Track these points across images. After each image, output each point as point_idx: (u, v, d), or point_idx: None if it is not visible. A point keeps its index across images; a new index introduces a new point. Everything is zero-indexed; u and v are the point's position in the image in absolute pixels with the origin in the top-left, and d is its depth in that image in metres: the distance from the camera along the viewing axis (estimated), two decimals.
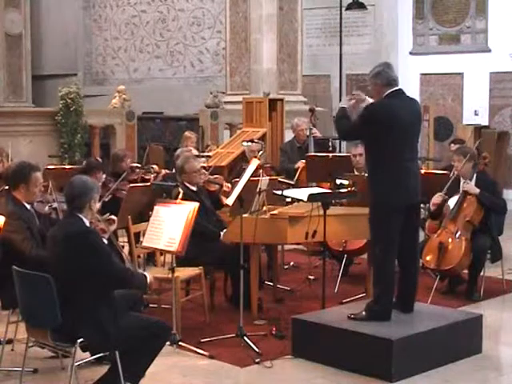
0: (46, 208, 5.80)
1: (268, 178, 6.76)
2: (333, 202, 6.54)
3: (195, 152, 8.98)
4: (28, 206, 5.43)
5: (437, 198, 7.02)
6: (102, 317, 4.35)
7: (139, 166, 8.65)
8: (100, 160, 8.00)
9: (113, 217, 4.86)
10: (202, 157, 8.80)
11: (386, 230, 5.34)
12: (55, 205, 5.91)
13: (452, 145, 8.85)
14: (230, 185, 7.31)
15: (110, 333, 4.34)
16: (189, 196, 6.21)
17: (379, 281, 5.42)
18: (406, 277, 5.53)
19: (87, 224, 4.54)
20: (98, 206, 4.69)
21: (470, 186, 6.98)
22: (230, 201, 6.02)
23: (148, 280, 4.66)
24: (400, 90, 5.43)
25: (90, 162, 7.69)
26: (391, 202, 5.32)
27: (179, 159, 7.04)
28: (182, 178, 6.77)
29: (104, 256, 4.42)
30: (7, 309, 5.31)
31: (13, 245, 5.20)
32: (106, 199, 7.05)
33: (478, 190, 6.93)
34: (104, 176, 7.37)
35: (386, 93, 5.38)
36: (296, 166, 8.84)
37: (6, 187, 5.60)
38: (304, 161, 8.58)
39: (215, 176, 7.49)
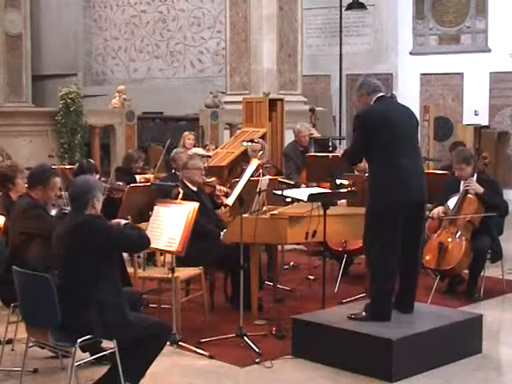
0: (56, 211, 5.79)
1: (268, 177, 6.76)
2: (333, 201, 6.55)
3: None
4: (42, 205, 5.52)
5: (439, 212, 7.02)
6: (107, 303, 4.37)
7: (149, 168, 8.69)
8: (92, 161, 7.91)
9: (121, 221, 4.86)
10: (202, 156, 8.82)
11: (384, 231, 5.31)
12: (67, 210, 5.91)
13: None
14: (223, 188, 7.33)
15: (113, 320, 4.35)
16: (189, 196, 6.21)
17: (374, 281, 5.43)
18: (405, 277, 5.52)
19: None
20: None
21: (475, 184, 6.95)
22: (230, 201, 6.02)
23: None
24: (385, 95, 5.55)
25: (82, 164, 7.58)
26: (391, 202, 5.30)
27: (186, 156, 7.17)
28: (183, 174, 6.81)
29: (114, 232, 4.52)
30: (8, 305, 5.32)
31: (35, 229, 5.29)
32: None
33: (482, 189, 6.92)
34: (97, 176, 7.33)
35: (373, 99, 5.47)
36: None
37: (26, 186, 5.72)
38: None
39: (210, 179, 7.52)
